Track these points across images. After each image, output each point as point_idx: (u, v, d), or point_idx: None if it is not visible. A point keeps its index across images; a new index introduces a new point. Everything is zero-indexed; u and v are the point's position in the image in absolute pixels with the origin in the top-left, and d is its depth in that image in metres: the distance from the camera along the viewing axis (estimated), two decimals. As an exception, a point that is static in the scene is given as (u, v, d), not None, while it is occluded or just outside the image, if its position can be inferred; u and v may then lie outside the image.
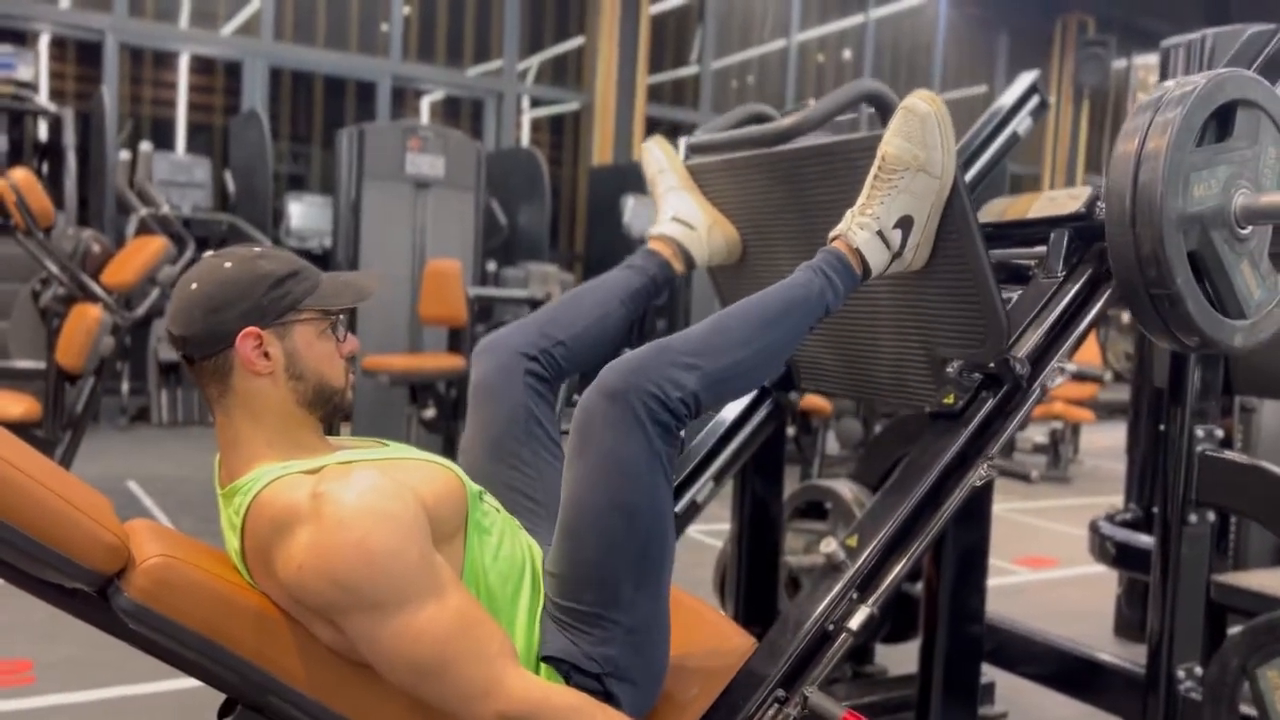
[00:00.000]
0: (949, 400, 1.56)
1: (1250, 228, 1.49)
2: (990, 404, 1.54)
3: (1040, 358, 1.54)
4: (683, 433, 1.33)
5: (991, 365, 1.54)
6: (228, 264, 1.26)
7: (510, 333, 1.66)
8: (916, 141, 1.50)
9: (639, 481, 1.28)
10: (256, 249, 1.29)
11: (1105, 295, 1.56)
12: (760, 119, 1.87)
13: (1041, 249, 1.64)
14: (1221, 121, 1.47)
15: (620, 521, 1.28)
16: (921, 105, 1.50)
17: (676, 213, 1.85)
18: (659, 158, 1.90)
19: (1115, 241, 1.45)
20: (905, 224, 1.53)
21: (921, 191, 1.51)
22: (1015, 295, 1.62)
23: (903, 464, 1.57)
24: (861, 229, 1.52)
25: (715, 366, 1.34)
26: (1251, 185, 1.49)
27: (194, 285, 1.25)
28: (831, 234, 1.55)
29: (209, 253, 1.31)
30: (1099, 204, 1.56)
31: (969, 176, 2.09)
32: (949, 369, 1.59)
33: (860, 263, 1.52)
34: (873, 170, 1.54)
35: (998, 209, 1.79)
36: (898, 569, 1.46)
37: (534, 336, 1.63)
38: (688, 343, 1.35)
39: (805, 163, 1.72)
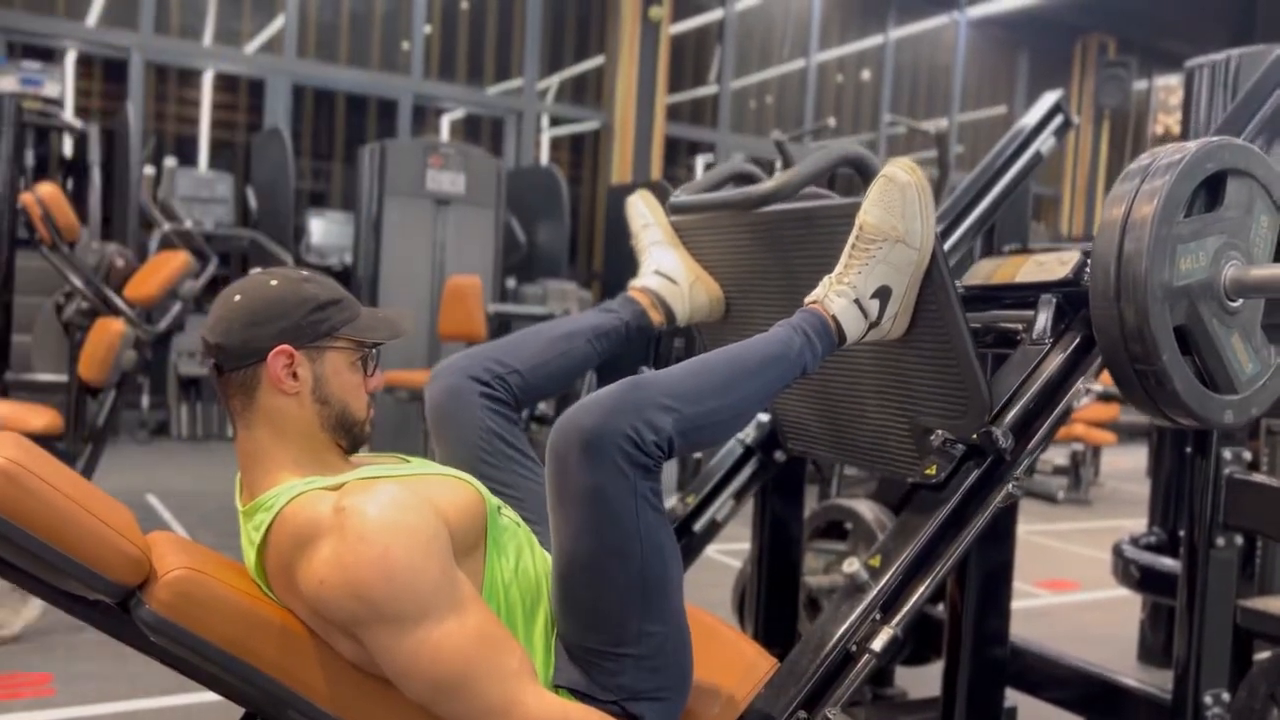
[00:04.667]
0: (930, 471, 1.51)
1: (1241, 300, 1.42)
2: (974, 475, 1.48)
3: (1025, 428, 1.49)
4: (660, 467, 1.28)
5: (974, 437, 1.49)
6: (274, 282, 1.28)
7: (458, 358, 1.63)
8: (896, 212, 1.45)
9: (625, 524, 1.23)
10: (304, 273, 1.31)
11: (1093, 364, 1.50)
12: (745, 178, 1.85)
13: (1029, 312, 1.58)
14: (1212, 190, 1.42)
15: (613, 565, 1.24)
16: (901, 175, 1.45)
17: (659, 267, 1.83)
18: (643, 212, 1.89)
19: (1099, 315, 1.40)
20: (883, 294, 1.47)
21: (900, 263, 1.46)
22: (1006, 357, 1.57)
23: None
24: (839, 296, 1.47)
25: (692, 411, 1.29)
26: (1242, 256, 1.43)
27: (237, 297, 1.27)
28: (808, 299, 1.50)
29: (256, 269, 1.33)
30: (1087, 269, 1.49)
31: (992, 195, 2.08)
32: (932, 438, 1.54)
33: (837, 329, 1.47)
34: (850, 238, 1.49)
35: (985, 271, 1.74)
36: (921, 590, 1.44)
37: (484, 362, 1.60)
38: (665, 384, 1.30)
39: (785, 226, 1.68)
